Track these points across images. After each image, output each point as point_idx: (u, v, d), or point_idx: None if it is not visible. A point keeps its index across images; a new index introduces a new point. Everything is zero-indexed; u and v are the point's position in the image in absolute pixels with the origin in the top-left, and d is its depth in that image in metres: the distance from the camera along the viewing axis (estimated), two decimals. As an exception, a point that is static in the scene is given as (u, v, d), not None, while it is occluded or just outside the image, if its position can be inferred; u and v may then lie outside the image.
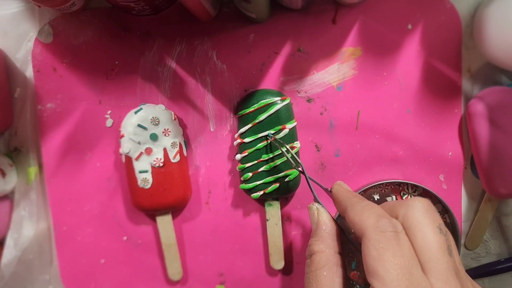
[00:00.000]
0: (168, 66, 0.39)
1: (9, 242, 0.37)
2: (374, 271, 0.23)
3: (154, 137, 0.36)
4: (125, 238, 0.40)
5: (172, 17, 0.39)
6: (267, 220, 0.38)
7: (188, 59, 0.39)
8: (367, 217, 0.25)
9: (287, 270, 0.40)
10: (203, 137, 0.40)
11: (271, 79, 0.39)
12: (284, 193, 0.38)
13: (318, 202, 0.30)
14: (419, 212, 0.25)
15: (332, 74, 0.40)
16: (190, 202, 0.40)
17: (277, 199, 0.38)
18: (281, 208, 0.39)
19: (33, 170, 0.39)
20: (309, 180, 0.32)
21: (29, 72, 0.38)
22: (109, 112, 0.39)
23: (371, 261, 0.23)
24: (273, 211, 0.38)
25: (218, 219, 0.40)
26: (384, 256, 0.23)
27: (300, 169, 0.33)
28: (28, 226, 0.38)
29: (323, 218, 0.29)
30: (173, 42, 0.39)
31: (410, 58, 0.40)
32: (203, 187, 0.40)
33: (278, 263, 0.39)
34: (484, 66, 0.40)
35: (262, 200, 0.39)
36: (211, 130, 0.40)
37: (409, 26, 0.39)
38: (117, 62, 0.39)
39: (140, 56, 0.39)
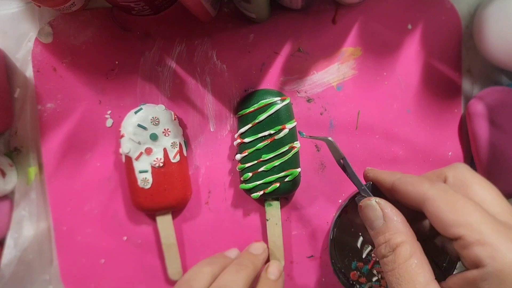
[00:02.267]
0: (168, 66, 0.39)
1: (9, 242, 0.37)
2: (456, 222, 0.23)
3: (154, 137, 0.36)
4: (125, 238, 0.40)
5: (172, 17, 0.39)
6: (267, 220, 0.38)
7: (188, 59, 0.39)
8: (421, 183, 0.26)
9: (287, 270, 0.40)
10: (203, 137, 0.40)
11: (271, 79, 0.39)
12: (284, 193, 0.38)
13: (369, 193, 0.30)
14: (467, 170, 0.28)
15: (332, 74, 0.40)
16: (190, 202, 0.40)
17: (277, 199, 0.38)
18: (281, 208, 0.39)
19: (33, 170, 0.39)
20: (352, 175, 0.31)
21: (29, 72, 0.38)
22: (109, 112, 0.39)
23: (447, 215, 0.24)
24: (273, 211, 0.38)
25: (218, 219, 0.40)
26: (457, 206, 0.23)
27: (342, 162, 0.32)
28: (28, 226, 0.38)
29: (389, 210, 0.27)
30: (173, 42, 0.39)
31: (410, 58, 0.40)
32: (203, 187, 0.40)
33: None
34: (484, 66, 0.40)
35: (262, 200, 0.39)
36: (211, 130, 0.40)
37: (409, 26, 0.39)
38: (117, 62, 0.39)
39: (140, 56, 0.39)
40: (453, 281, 0.24)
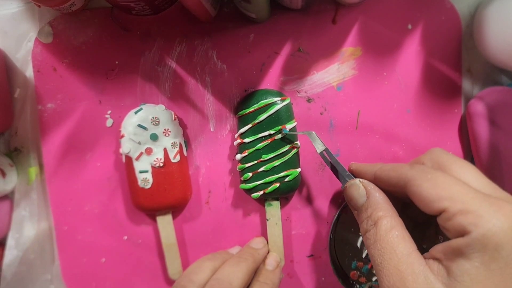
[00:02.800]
0: (168, 66, 0.39)
1: (10, 243, 0.37)
2: (438, 196, 0.24)
3: (154, 137, 0.36)
4: (125, 237, 0.40)
5: (172, 17, 0.39)
6: (267, 220, 0.38)
7: (188, 59, 0.39)
8: (400, 167, 0.28)
9: (287, 270, 0.41)
10: (203, 137, 0.40)
11: (271, 79, 0.39)
12: (284, 193, 0.38)
13: (354, 177, 0.31)
14: (442, 152, 0.28)
15: (332, 74, 0.40)
16: (190, 202, 0.40)
17: (277, 199, 0.39)
18: (281, 208, 0.39)
19: (33, 170, 0.39)
20: (336, 163, 0.32)
21: (29, 72, 0.38)
22: (109, 112, 0.39)
23: (429, 191, 0.24)
24: (273, 211, 0.38)
25: (218, 219, 0.40)
26: (438, 181, 0.24)
27: (324, 153, 0.33)
28: (29, 226, 0.38)
29: (371, 187, 0.29)
30: (173, 42, 0.39)
31: (410, 58, 0.40)
32: (203, 187, 0.40)
33: None
34: (484, 66, 0.40)
35: (262, 200, 0.39)
36: (211, 130, 0.40)
37: (409, 26, 0.39)
38: (117, 62, 0.39)
39: (140, 56, 0.39)
40: (436, 250, 0.24)
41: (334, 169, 0.32)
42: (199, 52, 0.39)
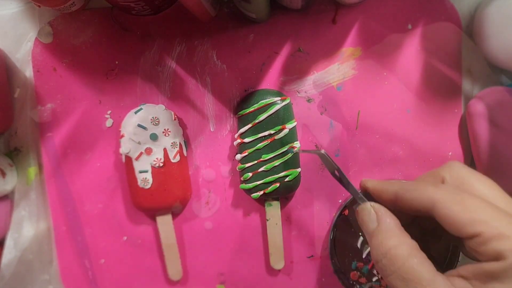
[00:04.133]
0: (168, 66, 0.39)
1: (9, 242, 0.37)
2: (471, 220, 0.23)
3: (154, 137, 0.36)
4: (125, 238, 0.40)
5: (172, 17, 0.39)
6: (267, 220, 0.38)
7: (188, 59, 0.39)
8: (425, 187, 0.26)
9: (287, 270, 0.40)
10: (203, 137, 0.40)
11: (271, 79, 0.39)
12: (284, 193, 0.38)
13: (366, 200, 0.29)
14: (462, 167, 0.28)
15: (332, 74, 0.40)
16: (190, 202, 0.40)
17: (277, 199, 0.38)
18: (281, 208, 0.39)
19: (33, 170, 0.39)
20: (348, 185, 0.31)
21: (29, 72, 0.38)
22: (109, 112, 0.39)
23: (460, 215, 0.23)
24: (273, 211, 0.38)
25: (218, 219, 0.40)
26: (467, 204, 0.24)
27: (337, 173, 0.32)
28: (28, 226, 0.38)
29: (382, 212, 0.28)
30: (173, 42, 0.39)
31: (410, 58, 0.40)
32: (203, 187, 0.40)
33: (278, 263, 0.39)
34: (484, 66, 0.40)
35: (262, 200, 0.39)
36: (211, 130, 0.40)
37: (409, 26, 0.39)
38: (117, 62, 0.39)
39: (140, 56, 0.39)
40: (466, 269, 0.24)
41: (347, 187, 0.31)
42: (199, 52, 0.39)
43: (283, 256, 0.39)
